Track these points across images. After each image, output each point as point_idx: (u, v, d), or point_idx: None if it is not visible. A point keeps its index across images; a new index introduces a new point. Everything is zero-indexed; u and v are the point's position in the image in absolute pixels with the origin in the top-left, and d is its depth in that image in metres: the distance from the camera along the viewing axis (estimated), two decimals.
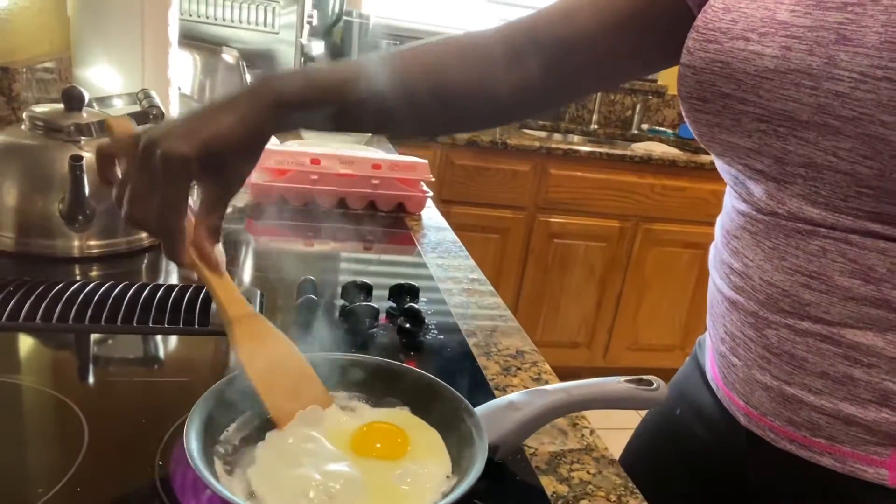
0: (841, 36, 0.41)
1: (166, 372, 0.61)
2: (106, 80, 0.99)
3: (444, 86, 0.57)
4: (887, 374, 0.46)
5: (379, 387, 0.52)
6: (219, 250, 0.49)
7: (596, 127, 2.76)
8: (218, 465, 0.43)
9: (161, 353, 0.64)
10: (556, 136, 2.67)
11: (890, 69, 0.39)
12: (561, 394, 0.50)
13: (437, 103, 0.58)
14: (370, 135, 1.63)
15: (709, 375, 0.61)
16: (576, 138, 2.69)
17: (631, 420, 2.54)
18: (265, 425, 0.48)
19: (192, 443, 0.41)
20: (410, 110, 0.57)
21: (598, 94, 2.72)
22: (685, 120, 0.54)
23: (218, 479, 0.41)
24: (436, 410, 0.49)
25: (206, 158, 0.45)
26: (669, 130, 2.82)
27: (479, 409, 0.49)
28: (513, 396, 0.51)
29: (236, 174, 0.48)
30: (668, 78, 2.81)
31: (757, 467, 0.56)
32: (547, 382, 0.65)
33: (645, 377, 0.51)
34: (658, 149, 2.50)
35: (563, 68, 0.59)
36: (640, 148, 2.48)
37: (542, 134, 2.62)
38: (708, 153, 2.27)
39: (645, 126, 2.84)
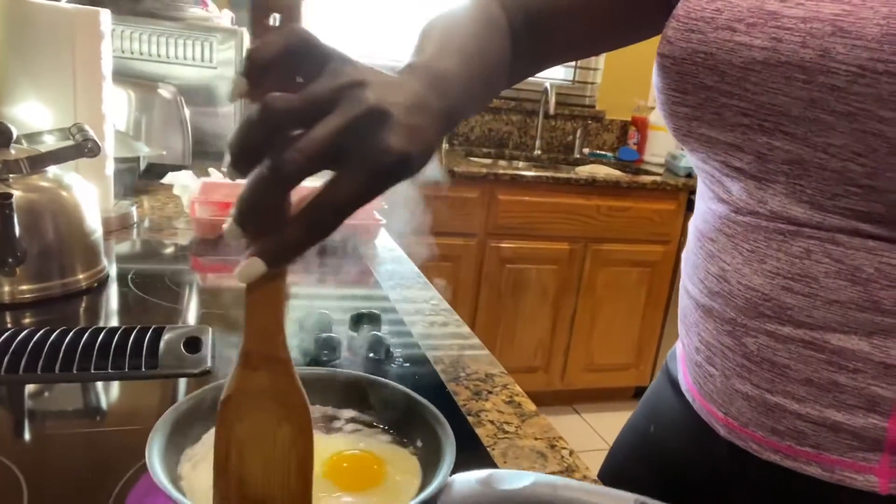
0: (837, 28, 0.40)
1: (111, 421, 0.56)
2: (36, 117, 0.94)
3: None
4: (873, 379, 0.45)
5: (354, 400, 0.50)
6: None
7: (539, 152, 2.80)
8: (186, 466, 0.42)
9: (105, 402, 0.59)
10: (502, 163, 2.69)
11: (891, 63, 0.38)
12: (544, 488, 0.41)
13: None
14: None
15: (683, 387, 0.59)
16: (521, 164, 2.72)
17: (607, 439, 2.53)
18: None
19: (155, 443, 0.40)
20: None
21: (540, 121, 2.77)
22: (660, 113, 0.52)
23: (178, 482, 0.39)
24: (410, 425, 0.47)
25: (418, 166, 0.35)
26: (609, 153, 2.89)
27: (455, 477, 0.44)
28: (495, 472, 0.44)
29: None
30: (605, 103, 2.89)
31: (739, 480, 0.54)
32: (520, 405, 0.63)
33: None
34: (601, 171, 2.56)
35: (543, 37, 0.58)
36: (584, 171, 2.53)
37: (488, 161, 2.64)
38: (649, 174, 2.31)
39: (586, 150, 2.90)
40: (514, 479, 0.42)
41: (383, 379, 0.50)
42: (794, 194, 0.44)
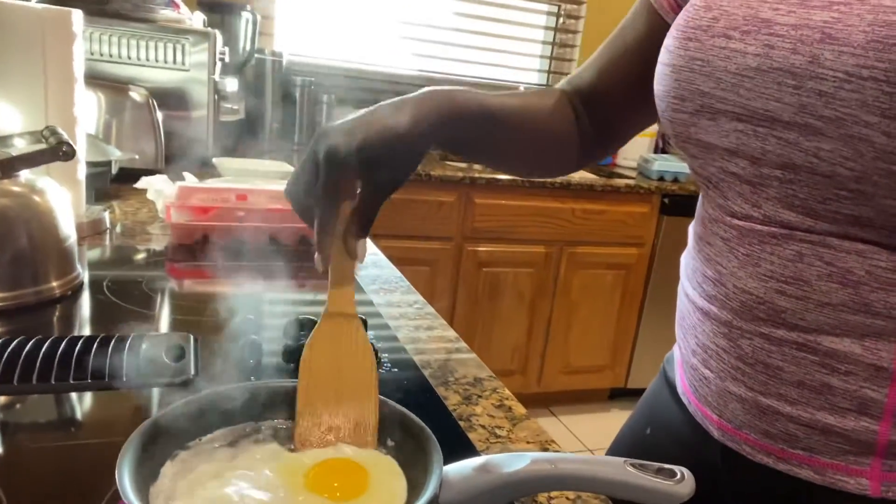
0: (826, 35, 0.41)
1: (93, 433, 0.54)
2: (5, 119, 0.90)
3: (547, 128, 0.64)
4: (865, 382, 0.45)
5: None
6: (361, 244, 0.51)
7: None
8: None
9: (85, 414, 0.57)
10: (477, 167, 2.69)
11: (876, 69, 0.38)
12: (544, 465, 0.42)
13: (542, 143, 0.65)
14: None
15: (679, 390, 0.60)
16: None
17: (601, 441, 2.53)
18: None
19: (127, 457, 0.39)
20: (521, 146, 0.63)
21: None
22: (661, 119, 0.53)
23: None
24: (399, 438, 0.47)
25: (366, 154, 0.46)
26: None
27: (448, 468, 0.44)
28: (490, 457, 0.44)
29: (394, 174, 0.49)
30: None
31: (733, 483, 0.54)
32: (511, 409, 0.62)
33: (666, 466, 0.40)
34: (575, 174, 2.57)
35: (604, 118, 0.66)
36: None
37: (464, 165, 2.64)
38: (622, 177, 2.32)
39: None
40: (512, 461, 0.42)
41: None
42: (786, 198, 0.45)
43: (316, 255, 0.48)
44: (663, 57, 0.51)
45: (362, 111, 0.49)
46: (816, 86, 0.41)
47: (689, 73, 0.48)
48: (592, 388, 2.59)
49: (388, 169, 0.48)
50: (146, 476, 0.41)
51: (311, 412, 0.47)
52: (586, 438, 2.39)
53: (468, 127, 0.53)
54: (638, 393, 2.84)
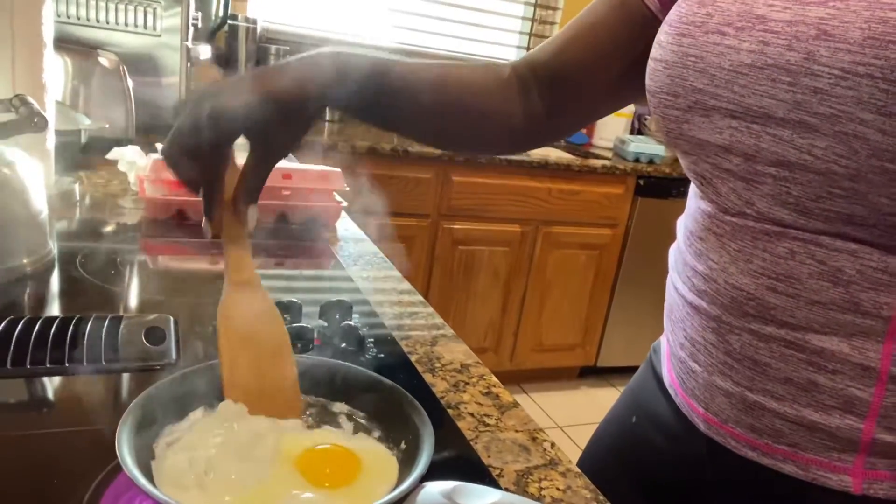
0: (821, 31, 0.40)
1: (68, 420, 0.53)
2: None
3: (470, 101, 0.61)
4: (851, 381, 0.46)
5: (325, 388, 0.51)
6: (251, 212, 0.49)
7: None
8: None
9: (59, 398, 0.55)
10: None
11: (872, 66, 0.38)
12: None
13: (461, 117, 0.62)
14: None
15: (666, 381, 0.60)
16: None
17: (570, 417, 2.55)
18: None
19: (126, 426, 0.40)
20: (436, 117, 0.60)
21: None
22: (653, 116, 0.52)
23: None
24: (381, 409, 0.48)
25: (254, 117, 0.45)
26: None
27: (424, 486, 0.42)
28: (461, 484, 0.42)
29: (283, 136, 0.47)
30: None
31: (717, 476, 0.55)
32: (498, 396, 0.62)
33: None
34: (553, 154, 2.57)
35: (559, 99, 0.63)
36: (536, 154, 2.53)
37: None
38: (598, 157, 2.31)
39: None
40: (480, 494, 0.42)
41: (387, 380, 0.50)
42: (780, 196, 0.45)
43: (204, 221, 0.47)
44: (655, 53, 0.50)
45: (242, 75, 0.48)
46: (811, 83, 0.41)
47: (682, 69, 0.48)
48: (563, 366, 2.63)
49: (277, 133, 0.46)
50: (144, 454, 0.41)
51: (235, 377, 0.47)
52: (556, 415, 2.43)
53: (362, 91, 0.51)
54: (607, 371, 2.87)
